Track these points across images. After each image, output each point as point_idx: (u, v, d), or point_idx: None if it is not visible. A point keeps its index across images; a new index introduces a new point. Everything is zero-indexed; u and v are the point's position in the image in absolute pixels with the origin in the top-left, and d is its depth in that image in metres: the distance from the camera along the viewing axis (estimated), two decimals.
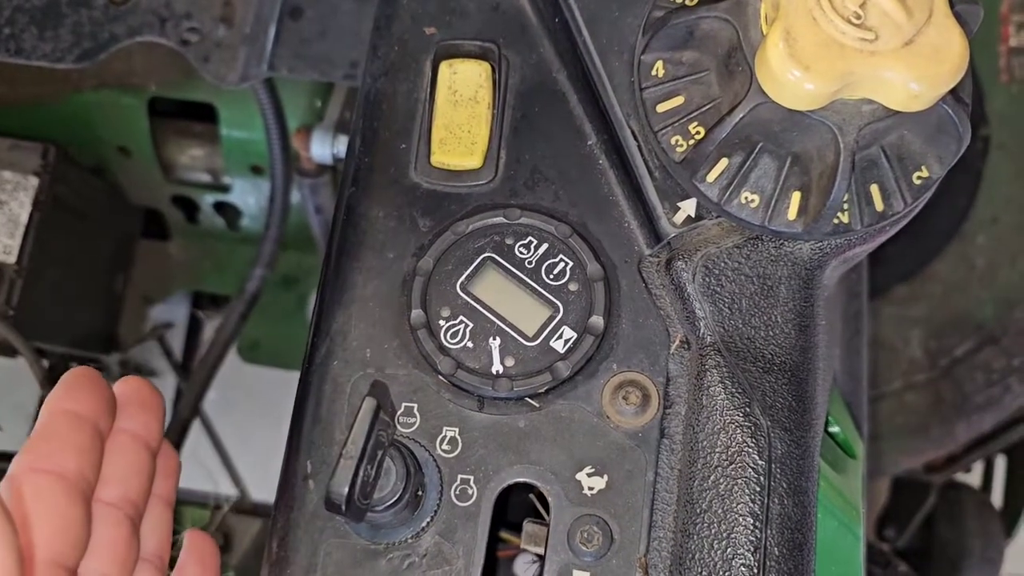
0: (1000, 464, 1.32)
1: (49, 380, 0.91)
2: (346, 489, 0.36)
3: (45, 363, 0.96)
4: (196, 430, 1.01)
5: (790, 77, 0.36)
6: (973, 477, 1.33)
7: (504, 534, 0.47)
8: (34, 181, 0.89)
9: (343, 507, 0.36)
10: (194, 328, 1.27)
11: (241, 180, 1.03)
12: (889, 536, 1.29)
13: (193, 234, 1.13)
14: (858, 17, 0.36)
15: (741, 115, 0.39)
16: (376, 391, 0.37)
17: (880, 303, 1.13)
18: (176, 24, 0.76)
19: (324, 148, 0.86)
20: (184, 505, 1.03)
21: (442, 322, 0.44)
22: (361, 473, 0.36)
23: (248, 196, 1.05)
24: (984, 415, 1.13)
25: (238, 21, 0.76)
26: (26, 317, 0.88)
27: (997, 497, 1.31)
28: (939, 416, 1.14)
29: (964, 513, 1.24)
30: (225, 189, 1.05)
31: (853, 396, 0.60)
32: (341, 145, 0.86)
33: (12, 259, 0.87)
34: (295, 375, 1.20)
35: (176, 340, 1.26)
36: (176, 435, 0.96)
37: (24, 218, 0.88)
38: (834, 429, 0.51)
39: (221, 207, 1.09)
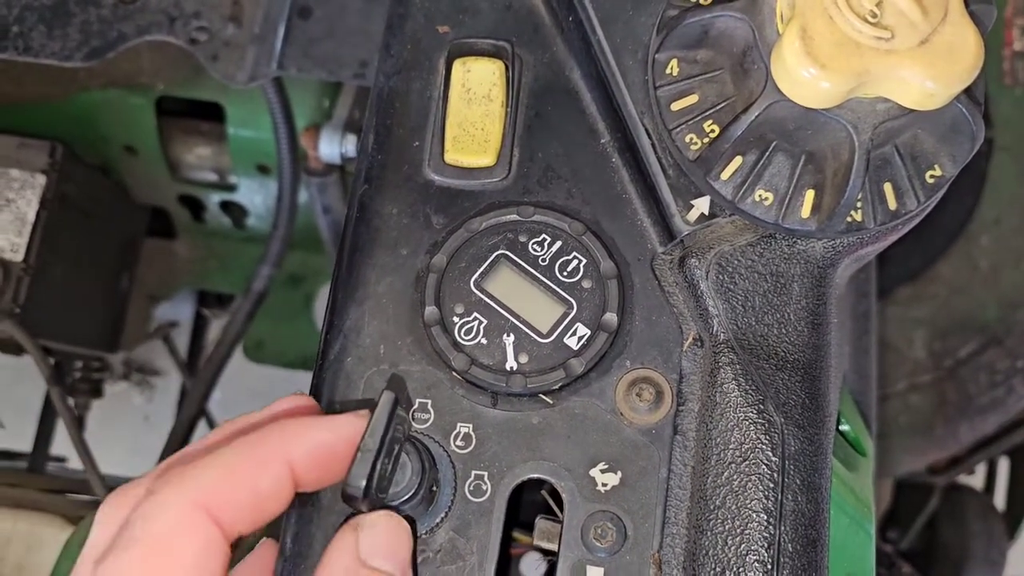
0: (1003, 466, 1.32)
1: (55, 378, 0.91)
2: (364, 482, 0.36)
3: (51, 361, 0.96)
4: (202, 430, 1.01)
5: (806, 75, 0.36)
6: (976, 479, 1.33)
7: (516, 533, 0.47)
8: (41, 179, 0.89)
9: (360, 500, 0.36)
10: (199, 327, 1.28)
11: (248, 179, 1.03)
12: (892, 537, 1.29)
13: (199, 233, 1.13)
14: (874, 16, 0.37)
15: (756, 113, 0.40)
16: (393, 385, 0.37)
17: (884, 304, 1.14)
18: (185, 23, 0.76)
19: (332, 147, 0.86)
20: None
21: (456, 319, 0.45)
22: (378, 467, 0.36)
23: (255, 195, 1.05)
24: (987, 417, 1.13)
25: (247, 20, 0.76)
26: (33, 315, 0.88)
27: (1000, 499, 1.31)
28: (943, 417, 1.14)
29: (967, 515, 1.25)
30: (232, 188, 1.05)
31: (862, 395, 0.61)
32: (349, 144, 0.86)
33: (19, 257, 0.88)
34: (300, 374, 1.21)
35: (181, 339, 1.26)
36: (181, 434, 0.96)
37: (31, 216, 0.88)
38: (844, 427, 0.51)
39: (227, 206, 1.09)
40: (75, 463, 1.11)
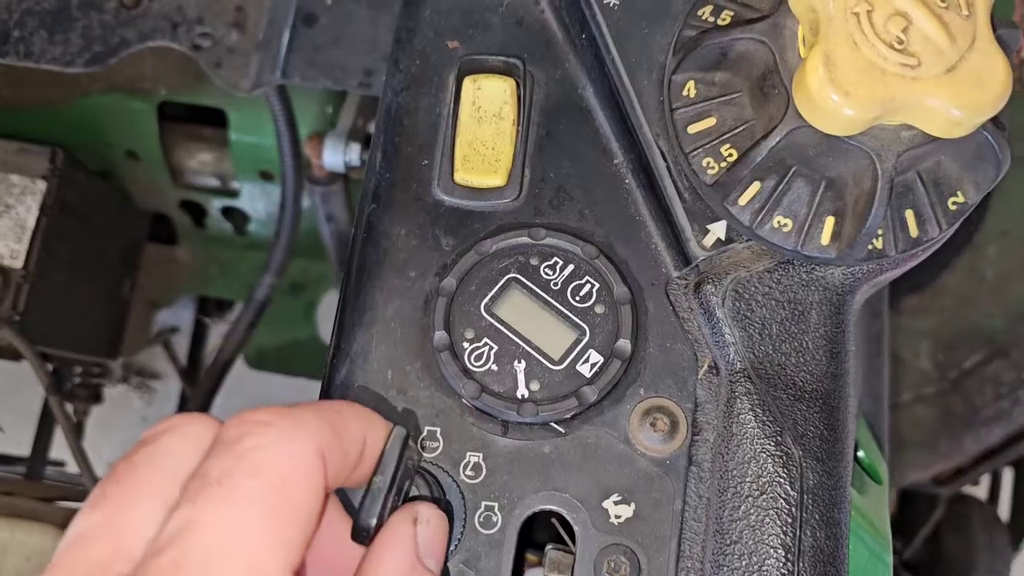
0: (1007, 477, 1.31)
1: (53, 387, 0.90)
2: (375, 520, 0.35)
3: (49, 367, 0.95)
4: None
5: (830, 103, 0.35)
6: (980, 489, 1.32)
7: (529, 555, 0.46)
8: (42, 185, 0.88)
9: (371, 538, 0.35)
10: (199, 333, 1.27)
11: (250, 185, 1.02)
12: (896, 548, 1.28)
13: (200, 239, 1.12)
14: (900, 42, 0.36)
15: (777, 139, 0.39)
16: (404, 419, 0.36)
17: (890, 315, 1.12)
18: (188, 29, 0.75)
19: (336, 156, 0.85)
20: None
21: (466, 344, 0.43)
22: (389, 504, 0.35)
23: (256, 202, 1.04)
24: (993, 428, 1.13)
25: (251, 27, 0.75)
26: (32, 322, 0.87)
27: (1003, 510, 1.31)
28: (948, 429, 1.13)
29: (971, 526, 1.24)
30: (233, 194, 1.04)
31: (874, 418, 0.60)
32: (353, 153, 0.85)
33: (19, 264, 0.87)
34: (301, 382, 1.19)
35: (181, 345, 1.25)
36: None
37: (31, 223, 0.87)
38: (859, 454, 0.50)
39: (229, 212, 1.08)
40: (73, 467, 1.10)
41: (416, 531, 0.37)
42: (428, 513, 0.37)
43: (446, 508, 0.41)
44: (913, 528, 1.28)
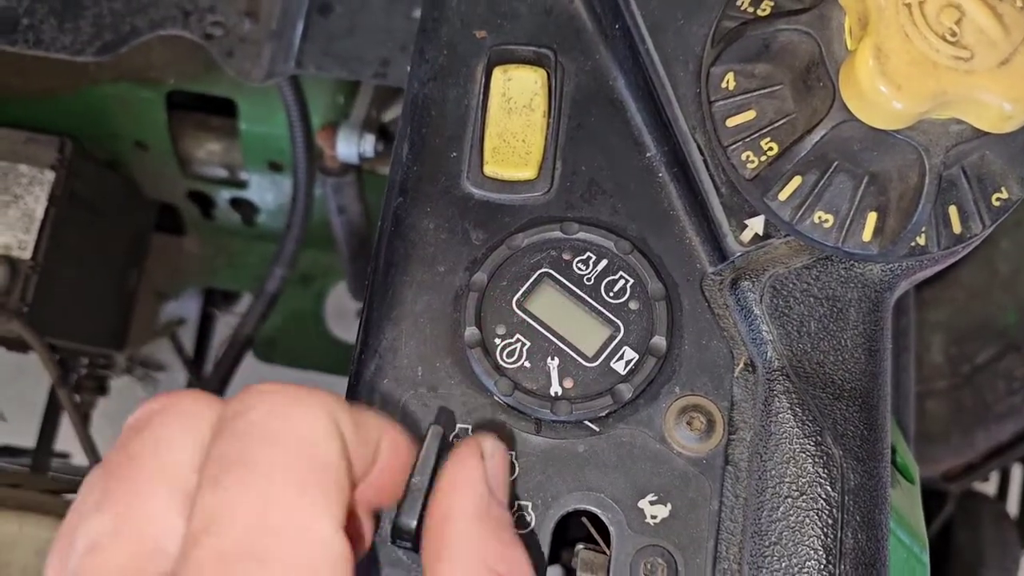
0: (1017, 473, 1.31)
1: (62, 379, 0.89)
2: (415, 522, 0.34)
3: (56, 358, 0.94)
4: None
5: (880, 96, 0.35)
6: (988, 486, 1.32)
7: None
8: (50, 175, 0.87)
9: (412, 539, 0.35)
10: (206, 325, 1.26)
11: (259, 176, 1.01)
12: None
13: (208, 230, 1.11)
14: (953, 34, 0.35)
15: (823, 133, 0.38)
16: (441, 418, 0.35)
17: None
18: (200, 17, 0.74)
19: (351, 147, 0.84)
20: None
21: (497, 340, 0.43)
22: (429, 505, 0.35)
23: (266, 192, 1.03)
24: (1004, 424, 1.12)
25: (264, 16, 0.74)
26: (40, 313, 0.86)
27: (1013, 506, 1.30)
28: (959, 425, 1.13)
29: (981, 522, 1.23)
30: (242, 185, 1.03)
31: (900, 414, 0.59)
32: (368, 144, 0.84)
33: (27, 255, 0.85)
34: (311, 375, 1.18)
35: (188, 336, 1.24)
36: None
37: (40, 213, 0.86)
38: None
39: (237, 203, 1.07)
40: (79, 459, 1.09)
41: (485, 467, 0.35)
42: (492, 446, 0.36)
43: None
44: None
